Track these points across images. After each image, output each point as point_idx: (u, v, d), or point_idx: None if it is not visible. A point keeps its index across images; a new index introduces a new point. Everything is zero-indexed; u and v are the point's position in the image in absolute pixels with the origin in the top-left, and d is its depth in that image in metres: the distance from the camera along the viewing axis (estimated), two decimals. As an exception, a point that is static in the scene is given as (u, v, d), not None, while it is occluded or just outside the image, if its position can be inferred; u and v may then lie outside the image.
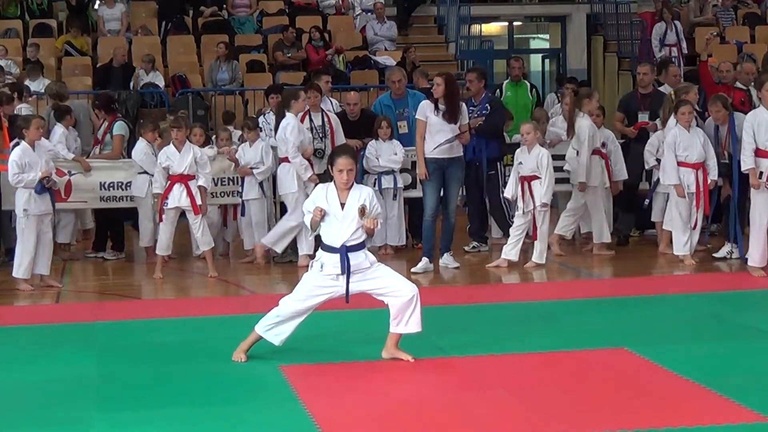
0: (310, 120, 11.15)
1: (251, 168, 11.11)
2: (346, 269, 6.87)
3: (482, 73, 11.72)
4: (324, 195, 6.97)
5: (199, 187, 10.47)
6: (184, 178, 10.44)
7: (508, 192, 10.86)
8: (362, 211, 6.88)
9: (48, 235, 10.18)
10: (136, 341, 7.91)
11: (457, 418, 5.81)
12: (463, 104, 10.72)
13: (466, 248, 11.58)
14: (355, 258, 6.92)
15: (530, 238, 10.89)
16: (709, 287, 9.74)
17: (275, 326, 7.04)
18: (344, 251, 6.87)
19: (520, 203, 10.72)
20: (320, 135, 11.10)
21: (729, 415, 5.77)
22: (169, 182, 10.46)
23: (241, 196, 11.28)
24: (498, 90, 13.32)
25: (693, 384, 6.36)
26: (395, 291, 6.99)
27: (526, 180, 10.64)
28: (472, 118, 11.07)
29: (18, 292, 10.00)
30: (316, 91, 11.28)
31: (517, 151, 10.78)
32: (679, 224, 10.74)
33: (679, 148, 10.61)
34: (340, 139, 11.18)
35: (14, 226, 11.53)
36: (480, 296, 9.62)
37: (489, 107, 11.38)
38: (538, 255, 10.68)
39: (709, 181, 10.62)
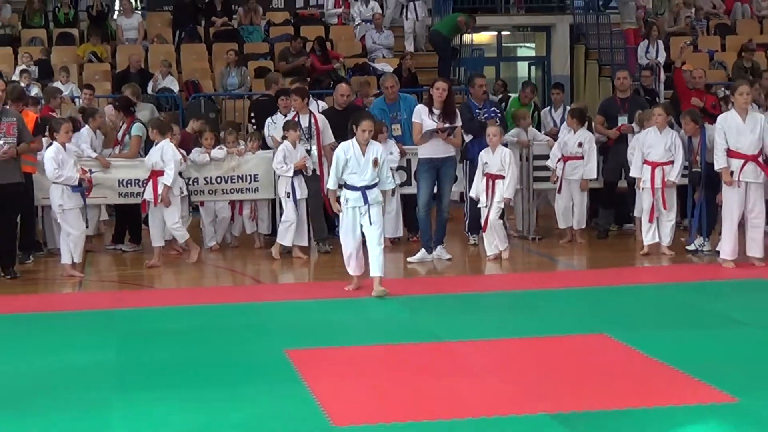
0: (298, 121, 11.19)
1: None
2: (366, 201, 8.71)
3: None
4: (350, 147, 8.79)
5: (164, 184, 10.57)
6: (154, 174, 10.59)
7: (473, 191, 10.84)
8: (375, 162, 8.74)
9: None
10: (152, 327, 7.93)
11: (449, 398, 5.81)
12: (457, 109, 10.73)
13: (470, 242, 11.56)
14: (371, 193, 8.76)
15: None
16: (683, 278, 9.73)
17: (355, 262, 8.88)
18: (363, 190, 8.72)
19: (482, 198, 10.71)
20: (306, 136, 11.07)
21: (701, 396, 5.79)
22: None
23: (275, 194, 11.14)
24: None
25: (668, 367, 6.37)
26: (372, 229, 8.71)
27: (492, 178, 10.62)
28: (483, 119, 11.12)
29: (41, 281, 10.05)
30: (298, 95, 11.24)
31: (482, 152, 10.74)
32: (643, 217, 10.91)
33: (643, 146, 10.74)
34: (328, 138, 11.10)
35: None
36: (471, 286, 9.62)
37: (498, 112, 11.42)
38: (502, 247, 10.69)
39: (666, 181, 10.66)
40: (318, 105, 12.11)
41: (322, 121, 11.21)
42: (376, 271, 8.73)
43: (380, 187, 8.87)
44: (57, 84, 15.11)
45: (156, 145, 10.67)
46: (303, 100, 11.19)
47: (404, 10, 18.92)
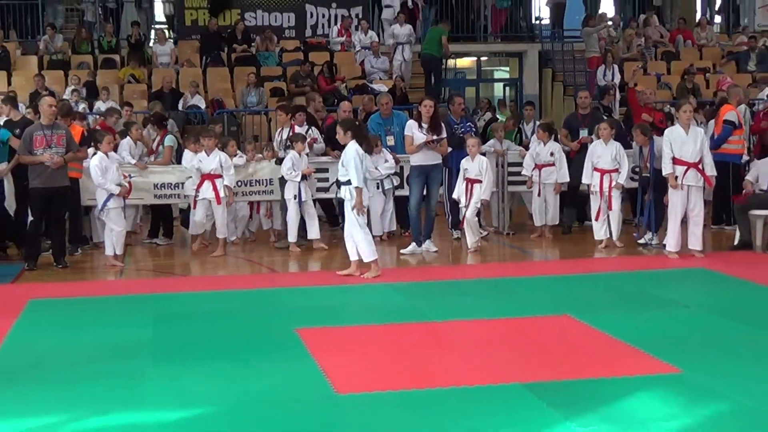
0: (280, 134, 11.20)
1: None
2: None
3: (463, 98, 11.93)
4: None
5: (225, 185, 10.56)
6: (212, 177, 10.52)
7: (455, 194, 10.83)
8: (341, 162, 8.98)
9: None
10: (182, 309, 7.91)
11: (435, 370, 5.82)
12: (442, 123, 10.71)
13: (454, 237, 11.50)
14: (342, 189, 9.07)
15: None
16: (635, 267, 9.73)
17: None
18: (337, 184, 9.32)
19: (462, 199, 10.71)
20: (284, 147, 11.10)
21: (650, 367, 5.80)
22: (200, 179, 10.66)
23: (282, 197, 10.97)
24: None
25: (622, 343, 6.38)
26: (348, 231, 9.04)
27: (471, 182, 10.62)
28: (461, 133, 11.09)
29: (88, 270, 10.03)
30: (282, 110, 11.26)
31: (463, 160, 10.74)
32: (593, 217, 10.96)
33: (593, 156, 10.75)
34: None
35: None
36: (454, 274, 9.62)
37: (473, 127, 11.44)
38: (475, 238, 10.65)
39: (613, 184, 10.67)
40: None
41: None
42: (360, 256, 9.02)
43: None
44: (100, 102, 15.10)
45: (210, 153, 10.63)
46: (286, 115, 11.22)
47: (395, 50, 18.80)
